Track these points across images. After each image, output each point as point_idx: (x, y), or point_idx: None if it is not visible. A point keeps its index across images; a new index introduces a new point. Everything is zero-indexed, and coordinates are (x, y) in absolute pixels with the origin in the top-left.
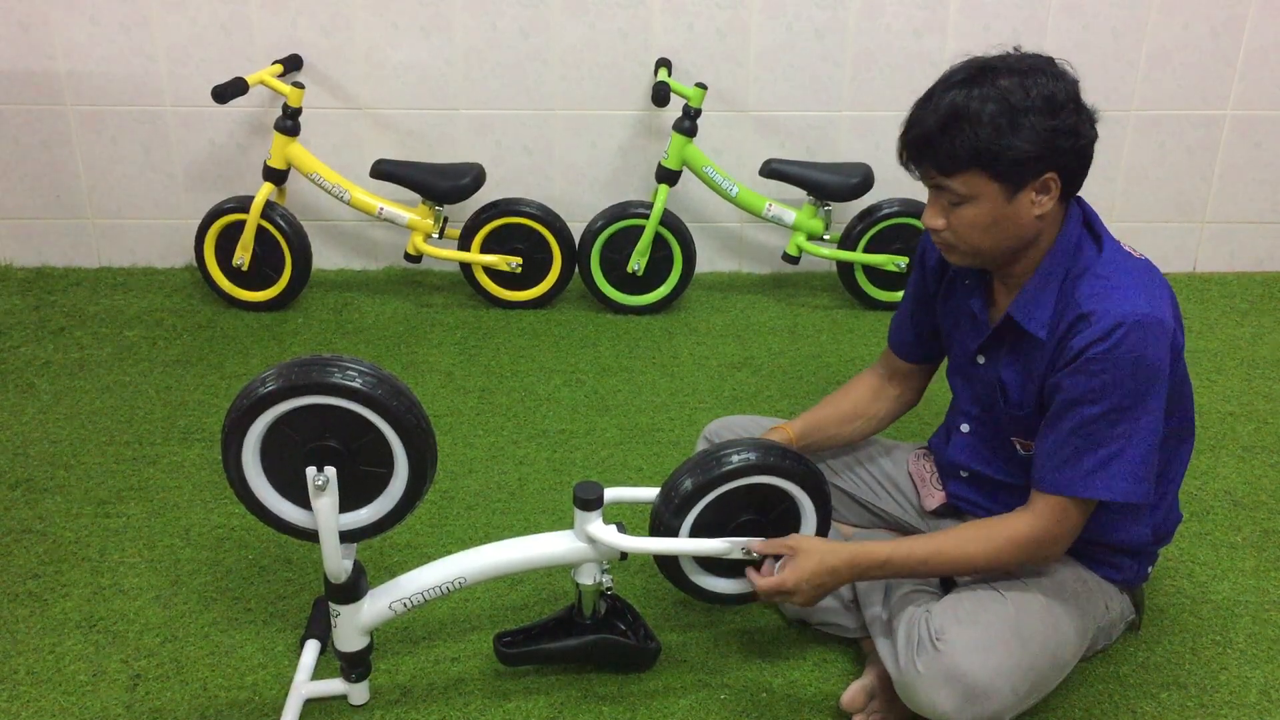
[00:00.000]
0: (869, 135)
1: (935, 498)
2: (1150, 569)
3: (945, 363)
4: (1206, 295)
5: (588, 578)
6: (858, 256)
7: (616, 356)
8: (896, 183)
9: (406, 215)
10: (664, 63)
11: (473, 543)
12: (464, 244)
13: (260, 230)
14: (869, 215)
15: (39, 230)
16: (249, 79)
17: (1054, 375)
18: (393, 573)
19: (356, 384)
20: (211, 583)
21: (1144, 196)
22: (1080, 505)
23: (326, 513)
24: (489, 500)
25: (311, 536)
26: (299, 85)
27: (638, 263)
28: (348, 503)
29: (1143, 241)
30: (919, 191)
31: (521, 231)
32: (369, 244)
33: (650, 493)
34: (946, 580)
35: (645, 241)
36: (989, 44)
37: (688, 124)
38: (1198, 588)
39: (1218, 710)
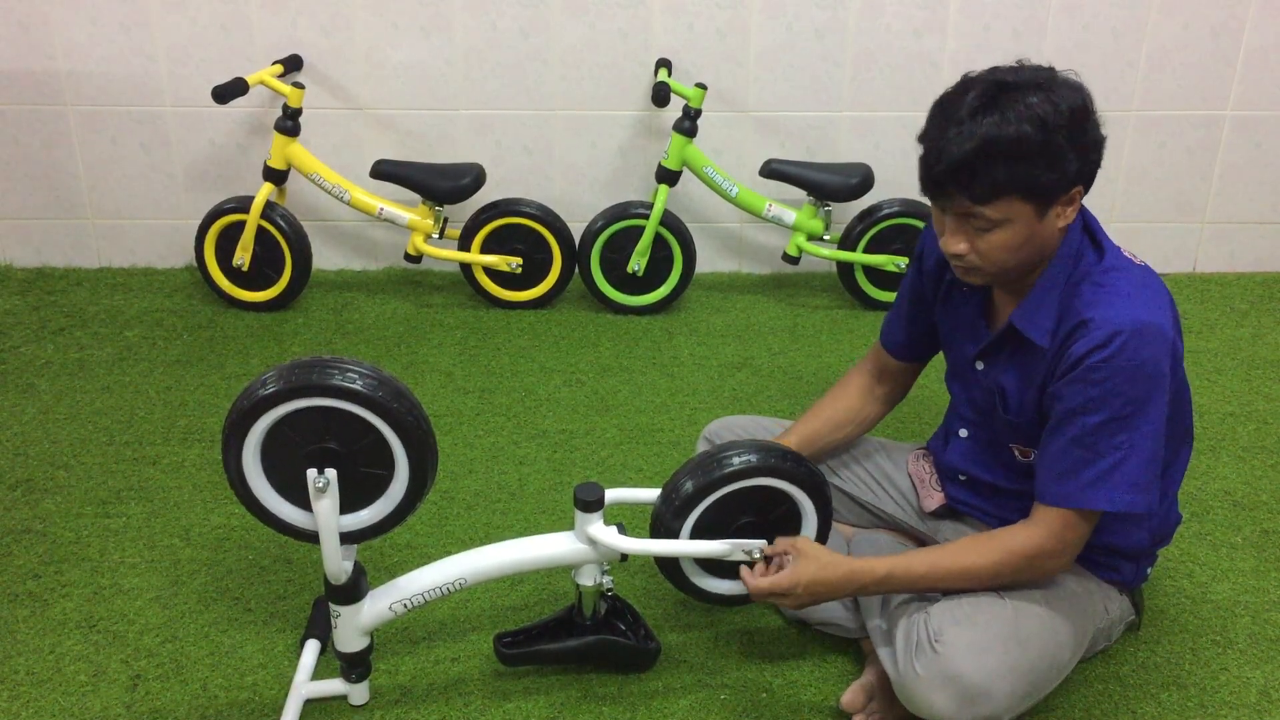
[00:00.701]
0: (869, 135)
1: (934, 499)
2: (1149, 570)
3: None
4: (1206, 295)
5: (588, 579)
6: (858, 257)
7: (616, 356)
8: (896, 183)
9: (406, 215)
10: (664, 63)
11: (473, 543)
12: (464, 244)
13: (260, 230)
14: (869, 215)
15: (39, 230)
16: (249, 79)
17: (1053, 383)
18: (393, 573)
19: (357, 386)
20: (211, 583)
21: (1144, 196)
22: (1084, 516)
23: (327, 514)
24: (489, 500)
25: (312, 538)
26: (299, 85)
27: (638, 263)
28: (348, 504)
29: (1143, 241)
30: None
31: (521, 232)
32: (369, 244)
33: (651, 494)
34: None
35: (645, 242)
36: (989, 44)
37: (688, 124)
38: (1198, 588)
39: (1218, 710)
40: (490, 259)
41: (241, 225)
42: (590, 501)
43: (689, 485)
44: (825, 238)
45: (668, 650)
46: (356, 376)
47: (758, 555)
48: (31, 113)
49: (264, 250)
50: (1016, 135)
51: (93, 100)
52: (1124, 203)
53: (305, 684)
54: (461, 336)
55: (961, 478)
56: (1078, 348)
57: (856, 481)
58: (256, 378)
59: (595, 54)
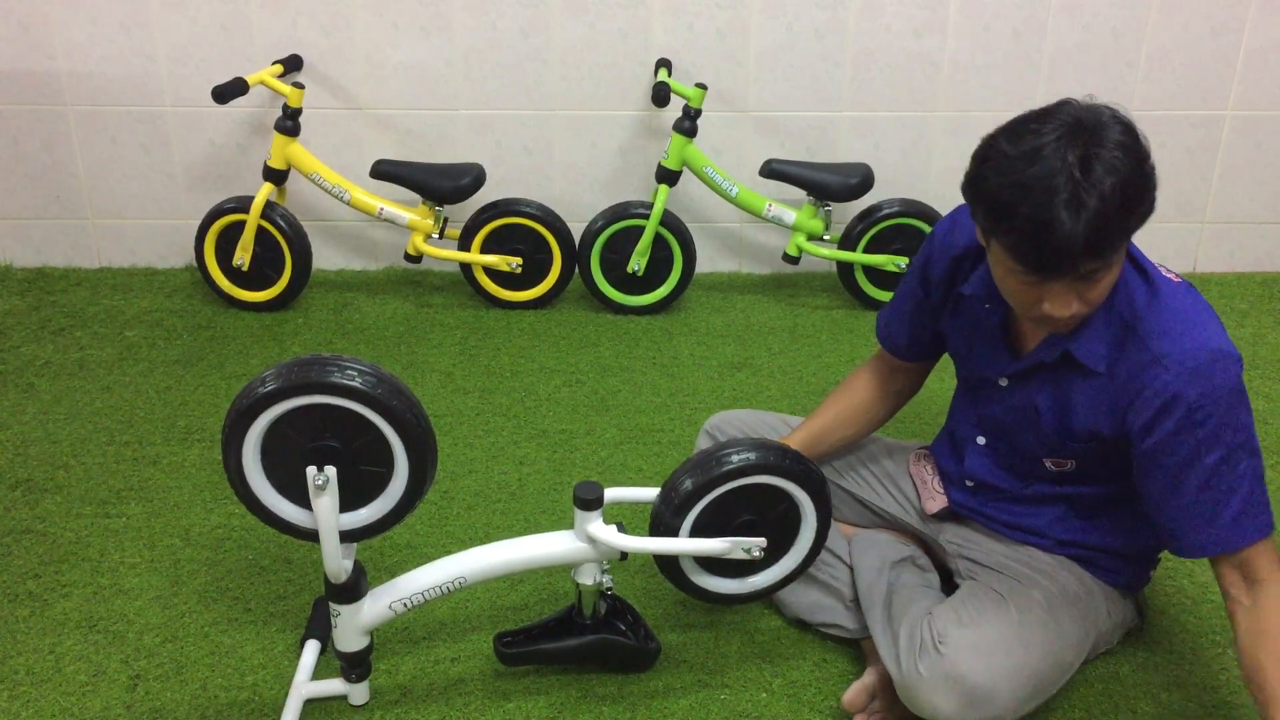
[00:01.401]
0: (869, 135)
1: (936, 502)
2: (1152, 573)
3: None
4: (1206, 295)
5: (588, 578)
6: (858, 257)
7: (616, 356)
8: (896, 183)
9: (406, 215)
10: (664, 63)
11: (473, 543)
12: (464, 244)
13: (260, 230)
14: (869, 215)
15: (39, 230)
16: (249, 79)
17: (1143, 430)
18: (393, 573)
19: (356, 383)
20: (211, 583)
21: None
22: (1249, 552)
23: (326, 513)
24: (489, 500)
25: (311, 536)
26: (299, 85)
27: (638, 263)
28: (348, 503)
29: (1143, 241)
30: (919, 192)
31: (521, 232)
32: (369, 244)
33: (650, 493)
34: (948, 582)
35: (645, 242)
36: (989, 44)
37: (688, 124)
38: (1198, 588)
39: (1218, 710)
40: (490, 259)
41: (241, 225)
42: (590, 500)
43: (688, 483)
44: (825, 238)
45: (668, 650)
46: (356, 374)
47: (757, 554)
48: (31, 113)
49: (264, 250)
50: (1119, 191)
51: (93, 100)
52: None
53: (305, 684)
54: (461, 336)
55: (969, 483)
56: (1158, 386)
57: (859, 480)
58: (256, 376)
59: (595, 54)
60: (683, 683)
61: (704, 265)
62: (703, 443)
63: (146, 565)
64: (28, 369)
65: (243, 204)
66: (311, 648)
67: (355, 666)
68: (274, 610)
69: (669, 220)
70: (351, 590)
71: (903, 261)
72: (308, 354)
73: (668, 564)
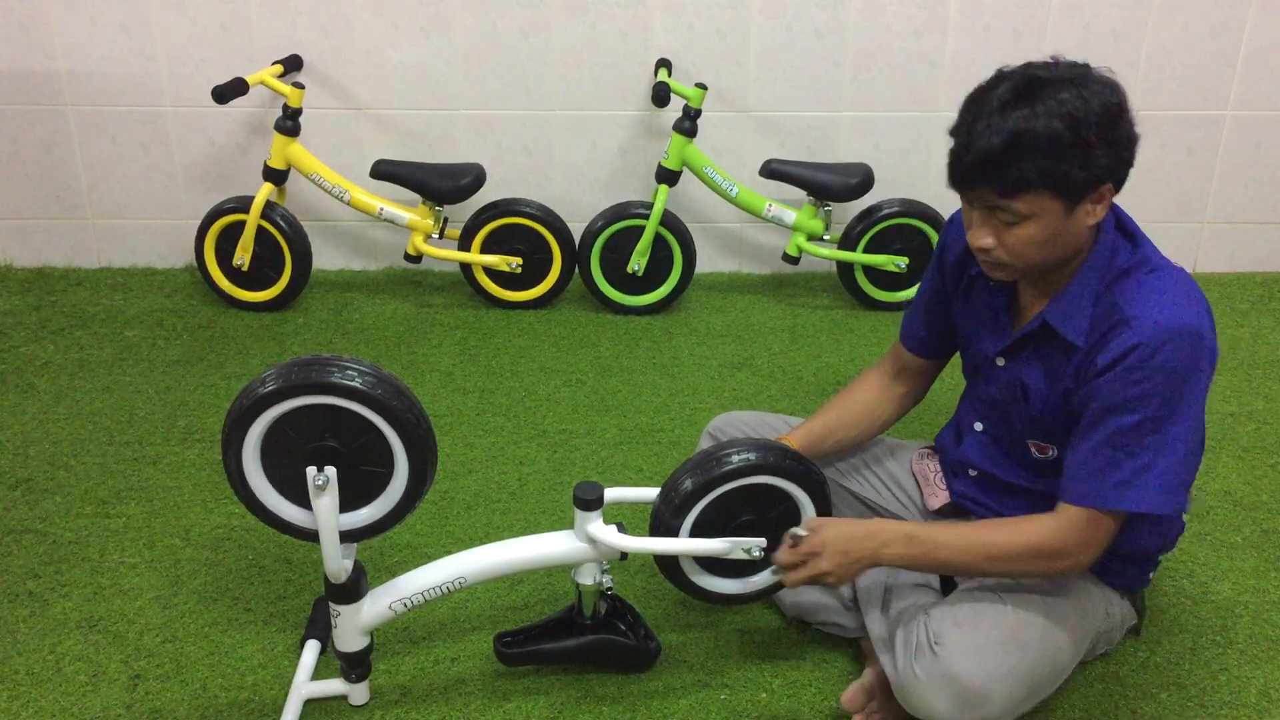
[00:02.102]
0: (869, 135)
1: (939, 497)
2: (1151, 574)
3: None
4: (1206, 295)
5: (588, 578)
6: (858, 257)
7: (616, 356)
8: (896, 183)
9: (406, 215)
10: (664, 63)
11: (473, 543)
12: (464, 244)
13: (260, 230)
14: (869, 215)
15: (39, 230)
16: (249, 79)
17: (1089, 380)
18: (393, 573)
19: (356, 383)
20: (211, 583)
21: (1144, 196)
22: (1109, 517)
23: (326, 513)
24: (489, 500)
25: (312, 537)
26: (299, 85)
27: (638, 263)
28: (348, 503)
29: None
30: (919, 192)
31: (521, 232)
32: (369, 244)
33: (650, 493)
34: (947, 583)
35: (645, 242)
36: (989, 44)
37: (688, 124)
38: (1198, 588)
39: (1218, 710)
40: (490, 259)
41: (241, 225)
42: (590, 500)
43: (688, 483)
44: (825, 238)
45: (668, 650)
46: (356, 374)
47: (757, 554)
48: (31, 113)
49: (264, 250)
50: (1046, 129)
51: (93, 100)
52: (1124, 202)
53: (305, 684)
54: (461, 336)
55: (972, 473)
56: (1118, 344)
57: (861, 480)
58: (256, 376)
59: (595, 54)
60: (683, 683)
61: (704, 265)
62: (705, 444)
63: (146, 565)
64: (28, 369)
65: (243, 204)
66: (311, 648)
67: (355, 666)
68: (274, 610)
69: (669, 220)
70: (351, 590)
71: (902, 261)
72: (308, 354)
73: (668, 564)
